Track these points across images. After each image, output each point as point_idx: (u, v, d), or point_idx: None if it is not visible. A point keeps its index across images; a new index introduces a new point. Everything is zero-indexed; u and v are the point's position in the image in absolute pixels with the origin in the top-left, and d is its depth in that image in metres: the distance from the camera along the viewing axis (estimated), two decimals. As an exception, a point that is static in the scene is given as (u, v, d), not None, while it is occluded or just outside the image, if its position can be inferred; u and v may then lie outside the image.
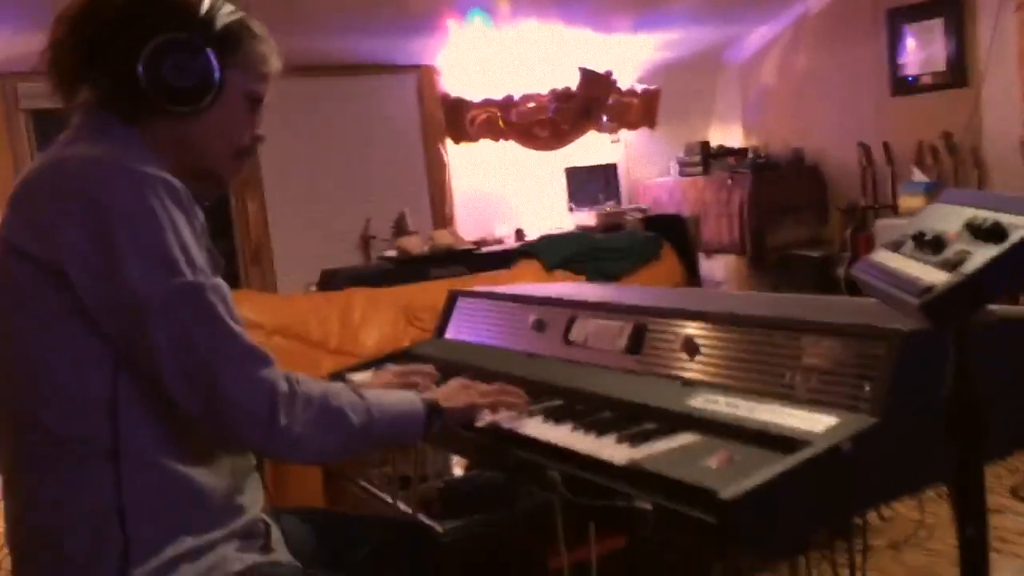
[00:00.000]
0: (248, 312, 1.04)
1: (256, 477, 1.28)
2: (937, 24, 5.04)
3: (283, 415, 1.11)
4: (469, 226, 5.50)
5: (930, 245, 0.96)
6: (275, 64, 1.30)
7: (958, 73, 4.97)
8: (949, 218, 0.99)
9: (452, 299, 2.10)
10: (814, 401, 1.18)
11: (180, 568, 1.11)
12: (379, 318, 3.18)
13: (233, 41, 1.23)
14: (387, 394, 1.32)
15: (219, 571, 1.14)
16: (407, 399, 1.32)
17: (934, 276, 0.91)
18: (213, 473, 1.17)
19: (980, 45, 4.86)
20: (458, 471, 2.33)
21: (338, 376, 1.85)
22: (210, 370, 1.08)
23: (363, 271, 4.46)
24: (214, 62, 1.19)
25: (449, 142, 5.57)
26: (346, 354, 2.96)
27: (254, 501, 1.25)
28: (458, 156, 5.63)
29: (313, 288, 4.32)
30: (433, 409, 1.33)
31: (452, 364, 1.76)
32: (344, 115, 5.27)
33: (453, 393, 1.41)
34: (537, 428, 1.38)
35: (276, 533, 1.31)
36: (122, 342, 1.09)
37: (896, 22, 5.23)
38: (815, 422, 1.12)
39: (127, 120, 1.20)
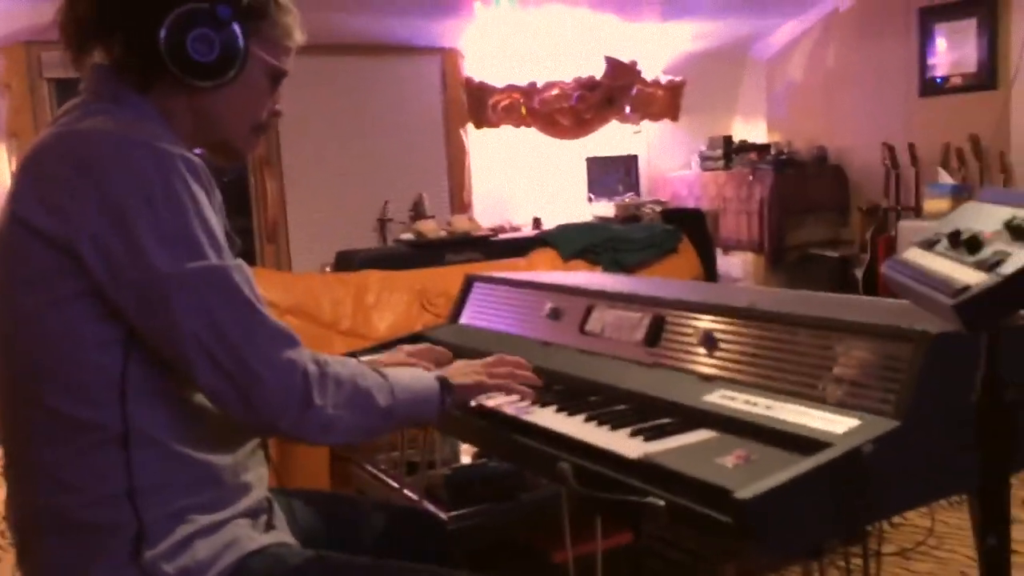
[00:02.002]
0: (262, 290, 1.02)
1: (260, 454, 1.27)
2: (969, 25, 4.96)
3: (316, 397, 1.09)
4: (487, 213, 5.48)
5: (966, 245, 0.93)
6: (299, 37, 1.26)
7: (988, 75, 4.89)
8: (986, 217, 0.96)
9: (468, 284, 2.08)
10: (835, 402, 1.15)
11: (195, 544, 1.09)
12: (393, 301, 3.16)
13: (258, 12, 1.19)
14: (404, 373, 1.30)
15: (233, 551, 1.12)
16: (423, 378, 1.31)
17: (970, 277, 0.87)
18: (220, 452, 1.15)
19: (1012, 47, 4.77)
20: (466, 459, 2.31)
21: (350, 357, 1.83)
22: (240, 354, 1.05)
23: (379, 253, 4.44)
24: (239, 36, 1.15)
25: (470, 127, 5.54)
26: (358, 336, 2.95)
27: (259, 479, 1.24)
28: (478, 142, 5.60)
29: (328, 269, 4.31)
30: (445, 387, 1.32)
31: (466, 350, 1.74)
32: (366, 96, 5.25)
33: (462, 371, 1.39)
34: (549, 418, 1.36)
35: (279, 512, 1.30)
36: (143, 326, 1.06)
37: (927, 21, 5.16)
38: (836, 423, 1.09)
39: (141, 88, 1.16)
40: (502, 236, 4.98)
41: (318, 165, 5.15)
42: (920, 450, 1.06)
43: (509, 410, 1.41)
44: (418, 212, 5.17)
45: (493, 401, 1.44)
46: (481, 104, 5.49)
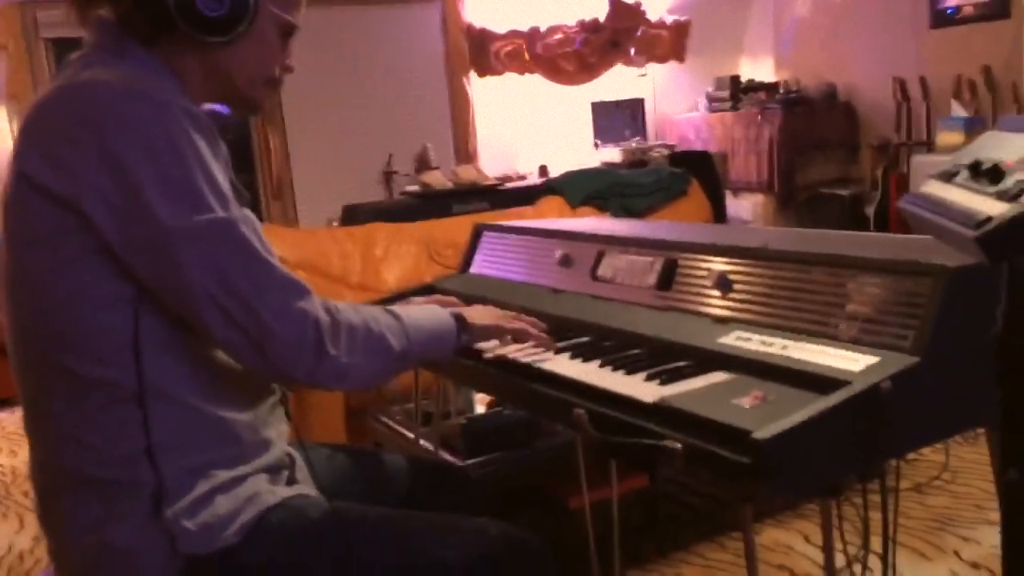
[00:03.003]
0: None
1: (280, 410, 1.27)
2: (981, -48, 4.83)
3: (330, 345, 1.09)
4: (492, 162, 5.43)
5: (987, 175, 0.90)
6: None
7: (1000, 4, 4.78)
8: (1008, 146, 0.93)
9: (477, 233, 2.06)
10: (854, 339, 1.13)
11: (215, 500, 1.10)
12: (401, 253, 3.15)
13: None
14: (419, 312, 1.29)
15: (254, 505, 1.13)
16: (438, 315, 1.31)
17: (992, 207, 0.85)
18: (239, 409, 1.15)
19: (1026, -26, 4.66)
20: (481, 408, 2.32)
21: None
22: (251, 305, 1.05)
23: (385, 206, 4.42)
24: None
25: (473, 75, 5.46)
26: (368, 289, 2.94)
27: (279, 434, 1.24)
28: (482, 90, 5.53)
29: (335, 223, 4.29)
30: (461, 324, 1.32)
31: (476, 299, 1.73)
32: (366, 47, 5.18)
33: (479, 312, 1.40)
34: (564, 365, 1.35)
35: (301, 466, 1.30)
36: (153, 282, 1.05)
37: (938, -50, 5.03)
38: (854, 361, 1.07)
39: (147, 41, 1.14)
40: (509, 185, 4.95)
41: (321, 119, 5.10)
42: (939, 385, 1.05)
43: (524, 358, 1.41)
44: (423, 163, 5.13)
45: (507, 350, 1.44)
46: (483, 51, 5.41)
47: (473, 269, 2.04)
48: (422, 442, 2.12)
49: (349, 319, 1.14)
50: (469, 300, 1.68)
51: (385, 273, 3.09)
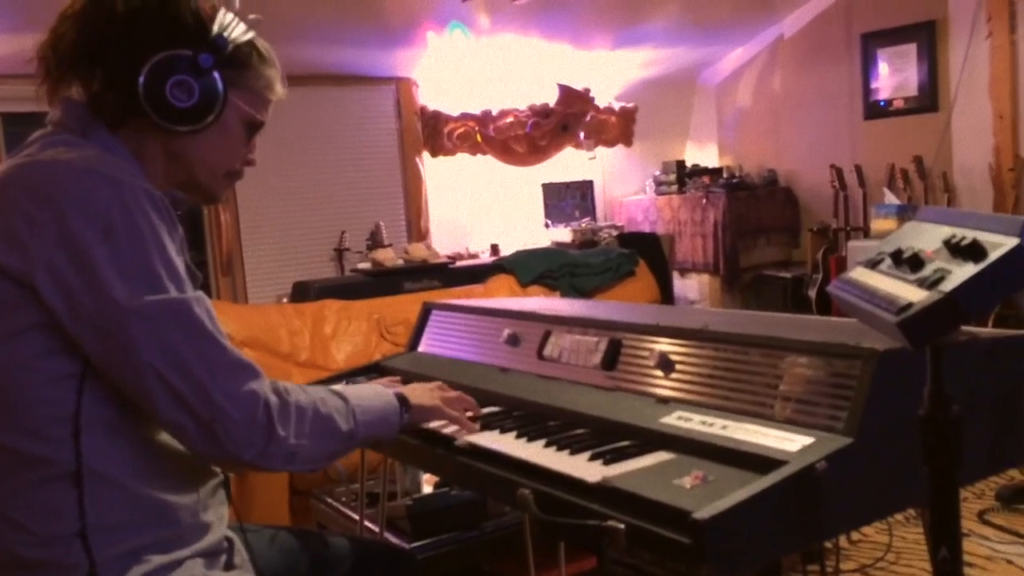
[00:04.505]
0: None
1: (222, 492, 1.25)
2: (910, 49, 5.11)
3: (279, 428, 1.09)
4: (444, 240, 5.48)
5: (908, 263, 0.95)
6: (280, 91, 1.28)
7: (929, 98, 5.04)
8: (927, 236, 0.99)
9: (426, 312, 2.08)
10: (790, 420, 1.17)
11: None
12: (352, 331, 3.15)
13: (240, 62, 1.20)
14: (365, 392, 1.31)
15: None
16: (383, 396, 1.32)
17: (912, 294, 0.90)
18: (179, 491, 1.14)
19: (952, 71, 4.93)
20: (428, 488, 2.30)
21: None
22: (202, 388, 1.05)
23: (336, 283, 4.41)
24: (220, 85, 1.16)
25: (426, 155, 5.55)
26: (317, 367, 2.92)
27: (219, 518, 1.22)
28: (434, 170, 5.62)
29: (285, 300, 4.27)
30: (403, 404, 1.34)
31: (423, 379, 1.73)
32: (320, 126, 5.24)
33: (421, 393, 1.42)
34: (509, 444, 1.36)
35: (241, 550, 1.28)
36: (102, 360, 1.05)
37: (870, 47, 5.30)
38: (790, 441, 1.10)
39: (112, 124, 1.15)
40: (460, 263, 4.99)
41: (273, 196, 5.12)
42: (873, 465, 1.08)
43: (468, 436, 1.41)
44: (375, 241, 5.16)
45: (450, 429, 1.44)
46: (436, 132, 5.51)
47: (421, 348, 2.04)
48: (367, 523, 2.09)
49: (299, 400, 1.14)
50: (416, 379, 1.68)
51: (335, 351, 3.08)
